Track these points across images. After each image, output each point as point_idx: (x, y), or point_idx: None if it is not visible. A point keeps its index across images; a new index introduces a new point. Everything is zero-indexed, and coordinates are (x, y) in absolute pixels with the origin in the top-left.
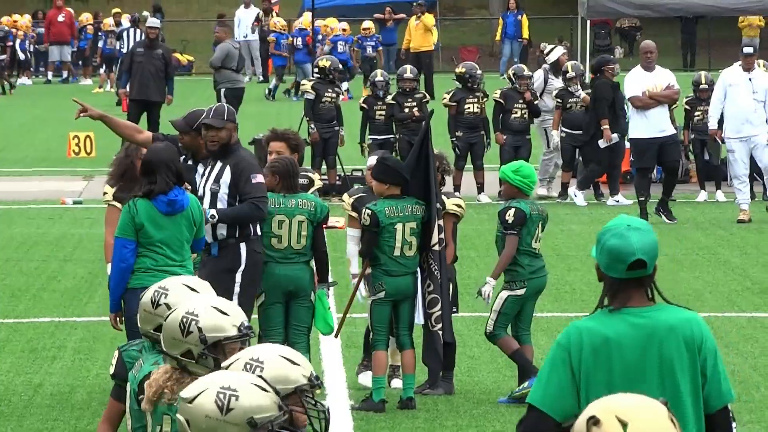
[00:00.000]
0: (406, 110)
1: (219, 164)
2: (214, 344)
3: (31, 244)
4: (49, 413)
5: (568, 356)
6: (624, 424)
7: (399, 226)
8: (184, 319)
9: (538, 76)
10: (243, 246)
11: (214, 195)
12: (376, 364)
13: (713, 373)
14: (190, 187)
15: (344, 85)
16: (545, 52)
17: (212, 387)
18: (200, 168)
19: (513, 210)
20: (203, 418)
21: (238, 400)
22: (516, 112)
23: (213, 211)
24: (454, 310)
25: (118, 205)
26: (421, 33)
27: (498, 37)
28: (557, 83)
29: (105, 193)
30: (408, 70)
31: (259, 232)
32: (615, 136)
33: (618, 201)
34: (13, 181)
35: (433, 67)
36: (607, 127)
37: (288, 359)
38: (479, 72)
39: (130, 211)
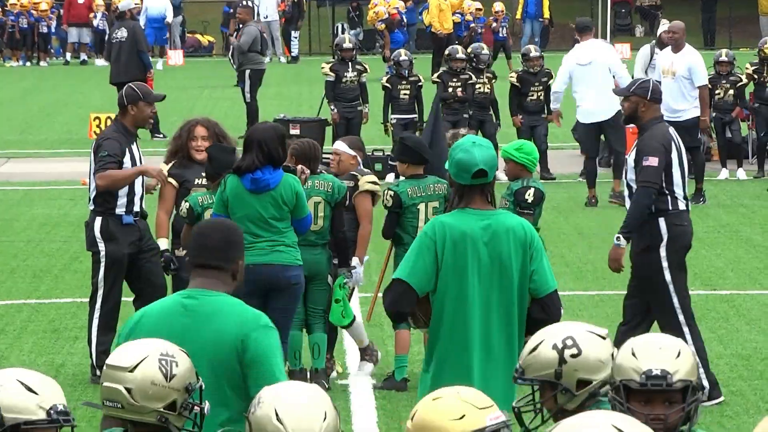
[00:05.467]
0: (450, 89)
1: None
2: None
3: (52, 225)
4: (71, 393)
5: (434, 244)
6: None
7: (422, 206)
8: None
9: (645, 52)
10: None
11: None
12: (399, 343)
13: (539, 266)
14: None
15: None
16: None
17: (152, 354)
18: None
19: (532, 189)
20: (149, 384)
21: (178, 366)
22: (532, 95)
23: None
24: None
25: (173, 182)
26: (450, 13)
27: (519, 16)
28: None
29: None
30: (459, 51)
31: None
32: None
33: None
34: (35, 162)
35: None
36: None
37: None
38: (485, 52)
39: (221, 185)
